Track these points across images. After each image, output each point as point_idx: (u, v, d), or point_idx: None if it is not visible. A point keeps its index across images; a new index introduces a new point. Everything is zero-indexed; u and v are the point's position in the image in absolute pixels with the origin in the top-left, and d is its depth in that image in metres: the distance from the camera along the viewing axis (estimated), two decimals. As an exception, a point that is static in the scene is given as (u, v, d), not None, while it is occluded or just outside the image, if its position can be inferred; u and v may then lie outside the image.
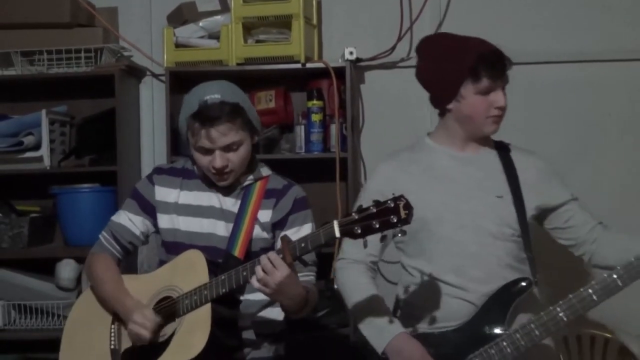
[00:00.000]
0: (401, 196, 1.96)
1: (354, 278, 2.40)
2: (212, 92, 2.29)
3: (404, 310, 2.46)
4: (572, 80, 3.46)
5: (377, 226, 1.95)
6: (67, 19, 3.41)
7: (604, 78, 3.45)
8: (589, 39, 3.46)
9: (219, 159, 2.30)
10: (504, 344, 2.23)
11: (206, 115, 2.25)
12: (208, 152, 2.31)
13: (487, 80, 2.31)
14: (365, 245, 1.98)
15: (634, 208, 3.43)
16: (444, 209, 2.35)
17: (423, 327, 2.37)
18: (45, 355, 3.41)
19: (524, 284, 2.30)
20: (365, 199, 2.35)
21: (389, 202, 1.95)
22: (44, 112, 3.39)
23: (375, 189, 2.40)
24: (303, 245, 2.06)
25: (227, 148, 2.30)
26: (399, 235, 1.96)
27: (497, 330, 2.25)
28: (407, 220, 1.94)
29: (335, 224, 1.99)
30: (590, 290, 2.19)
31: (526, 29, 3.47)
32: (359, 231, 1.96)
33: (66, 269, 3.39)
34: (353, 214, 1.98)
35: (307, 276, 2.36)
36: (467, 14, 3.50)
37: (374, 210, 1.96)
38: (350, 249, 2.43)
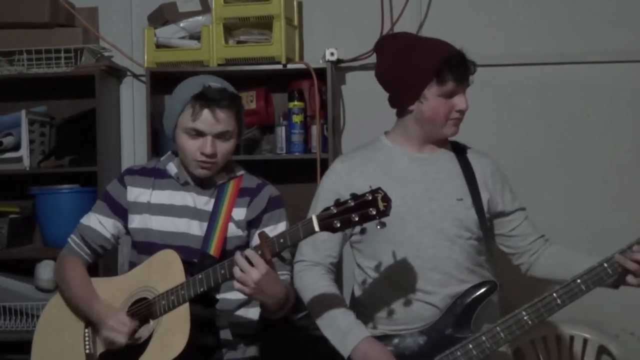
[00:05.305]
0: (379, 189, 1.97)
1: (313, 280, 2.38)
2: (213, 81, 2.34)
3: (360, 310, 2.43)
4: (552, 82, 3.47)
5: (357, 219, 1.95)
6: (46, 19, 3.38)
7: (584, 80, 3.46)
8: (569, 40, 3.48)
9: (210, 145, 2.30)
10: (470, 346, 2.23)
11: (212, 96, 2.28)
12: (199, 135, 2.31)
13: (452, 84, 2.31)
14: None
15: (613, 208, 3.45)
16: (405, 210, 2.32)
17: (383, 328, 2.36)
18: (24, 357, 3.33)
19: (488, 287, 2.31)
20: (322, 198, 2.37)
21: (367, 194, 1.96)
22: (23, 112, 3.38)
23: (330, 188, 2.39)
24: (282, 241, 2.05)
25: (220, 136, 2.31)
26: (378, 227, 1.95)
27: (463, 333, 2.26)
28: (385, 212, 1.95)
29: (314, 218, 1.99)
30: (554, 295, 2.21)
31: (506, 30, 3.48)
32: (338, 225, 1.96)
33: (45, 270, 3.37)
34: (332, 207, 1.98)
35: (283, 275, 2.35)
36: (448, 15, 3.51)
37: (352, 203, 1.96)
38: (309, 251, 2.41)
